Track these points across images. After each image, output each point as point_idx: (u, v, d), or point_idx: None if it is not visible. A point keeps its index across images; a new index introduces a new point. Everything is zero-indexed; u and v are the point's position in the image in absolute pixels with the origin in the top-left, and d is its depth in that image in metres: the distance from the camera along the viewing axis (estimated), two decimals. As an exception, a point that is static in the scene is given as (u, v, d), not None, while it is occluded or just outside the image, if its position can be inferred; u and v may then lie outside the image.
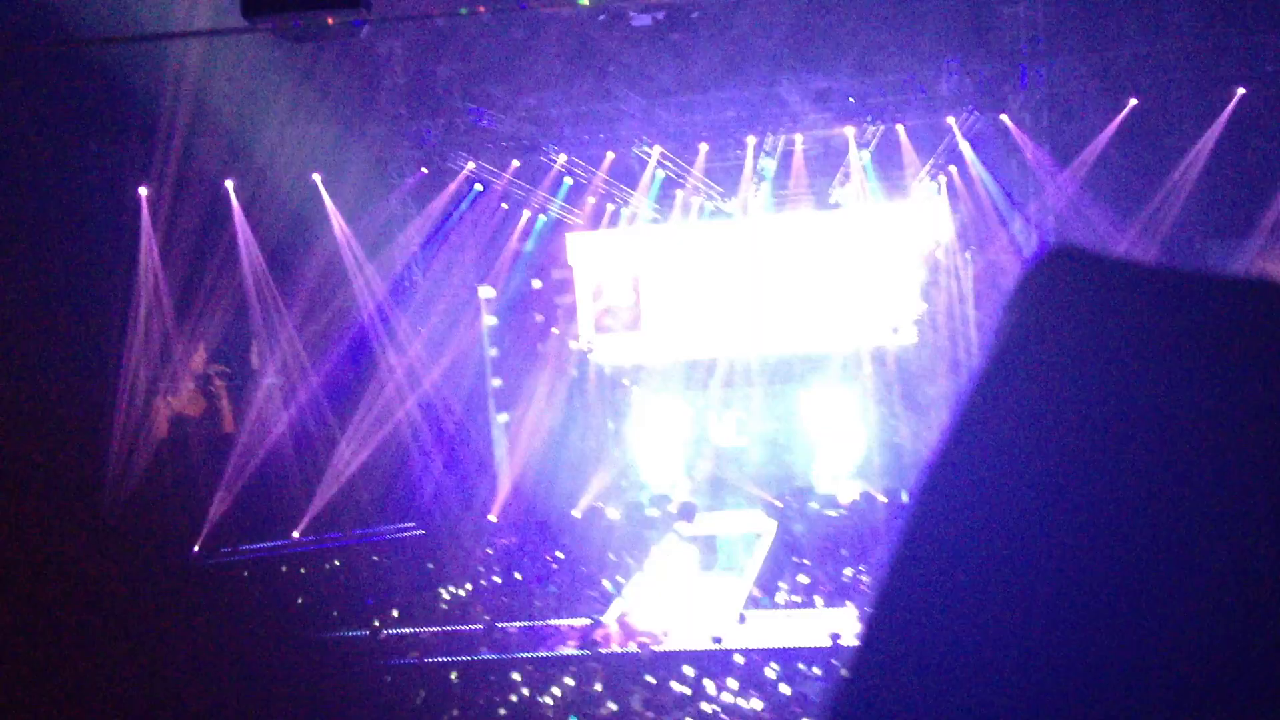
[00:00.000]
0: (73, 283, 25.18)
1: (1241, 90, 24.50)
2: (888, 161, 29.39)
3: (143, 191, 26.80)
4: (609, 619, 22.05)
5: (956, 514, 0.65)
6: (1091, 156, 26.09)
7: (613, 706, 16.62)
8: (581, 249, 31.41)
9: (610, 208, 31.53)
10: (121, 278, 26.30)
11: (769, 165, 29.83)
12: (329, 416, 27.93)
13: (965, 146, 28.04)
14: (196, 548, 26.27)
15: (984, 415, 0.68)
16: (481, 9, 22.44)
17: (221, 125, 24.60)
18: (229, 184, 27.43)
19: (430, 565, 26.13)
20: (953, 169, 28.80)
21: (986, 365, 0.70)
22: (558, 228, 31.72)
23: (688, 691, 17.35)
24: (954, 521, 0.64)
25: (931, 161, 28.65)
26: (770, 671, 18.25)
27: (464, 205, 30.48)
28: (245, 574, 25.58)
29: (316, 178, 27.85)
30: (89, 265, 25.46)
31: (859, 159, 29.11)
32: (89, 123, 25.10)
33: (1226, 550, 0.56)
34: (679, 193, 30.83)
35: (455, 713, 16.72)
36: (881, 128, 27.69)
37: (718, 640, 19.98)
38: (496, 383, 31.18)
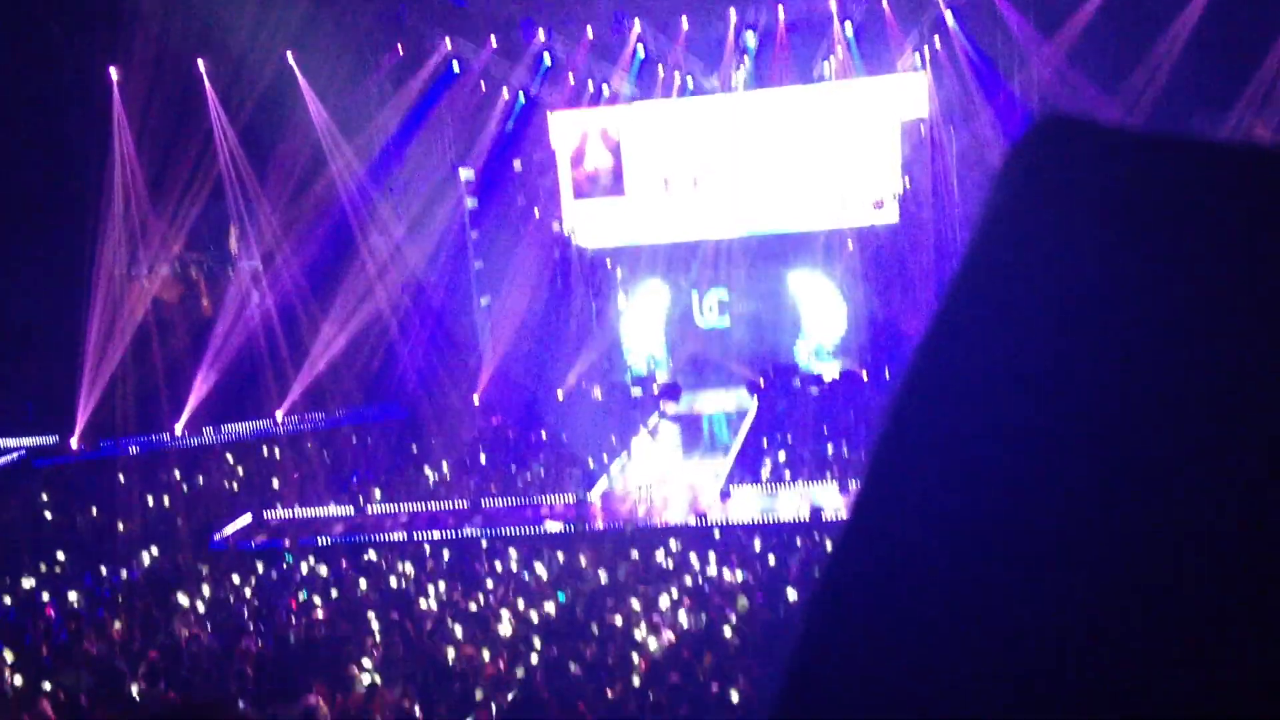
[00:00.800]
0: (45, 168, 24.84)
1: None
2: (871, 35, 28.98)
3: (113, 73, 26.30)
4: (594, 496, 22.26)
5: (944, 397, 0.60)
6: (1077, 27, 25.73)
7: (600, 580, 16.81)
8: (563, 127, 31.03)
9: (590, 86, 31.09)
10: (94, 161, 25.92)
11: (751, 39, 29.40)
12: (310, 299, 27.81)
13: (949, 18, 27.65)
14: (179, 427, 26.34)
15: (973, 294, 0.63)
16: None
17: (192, 4, 24.04)
18: (201, 64, 26.90)
19: (414, 446, 26.26)
20: (937, 41, 28.42)
21: (974, 243, 0.65)
22: (538, 108, 31.28)
23: (671, 565, 17.56)
24: (942, 405, 0.60)
25: (915, 34, 28.28)
26: (753, 545, 18.47)
27: (442, 83, 30.05)
28: (228, 456, 25.69)
29: (290, 57, 27.32)
30: (60, 149, 25.09)
31: (842, 32, 28.69)
32: (52, 4, 24.50)
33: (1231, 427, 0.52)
34: (660, 69, 30.41)
35: (443, 585, 16.88)
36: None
37: (701, 515, 20.20)
38: (478, 265, 31.03)
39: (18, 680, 13.68)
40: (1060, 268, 0.54)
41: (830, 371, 29.70)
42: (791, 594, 15.37)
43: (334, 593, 17.25)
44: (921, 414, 0.56)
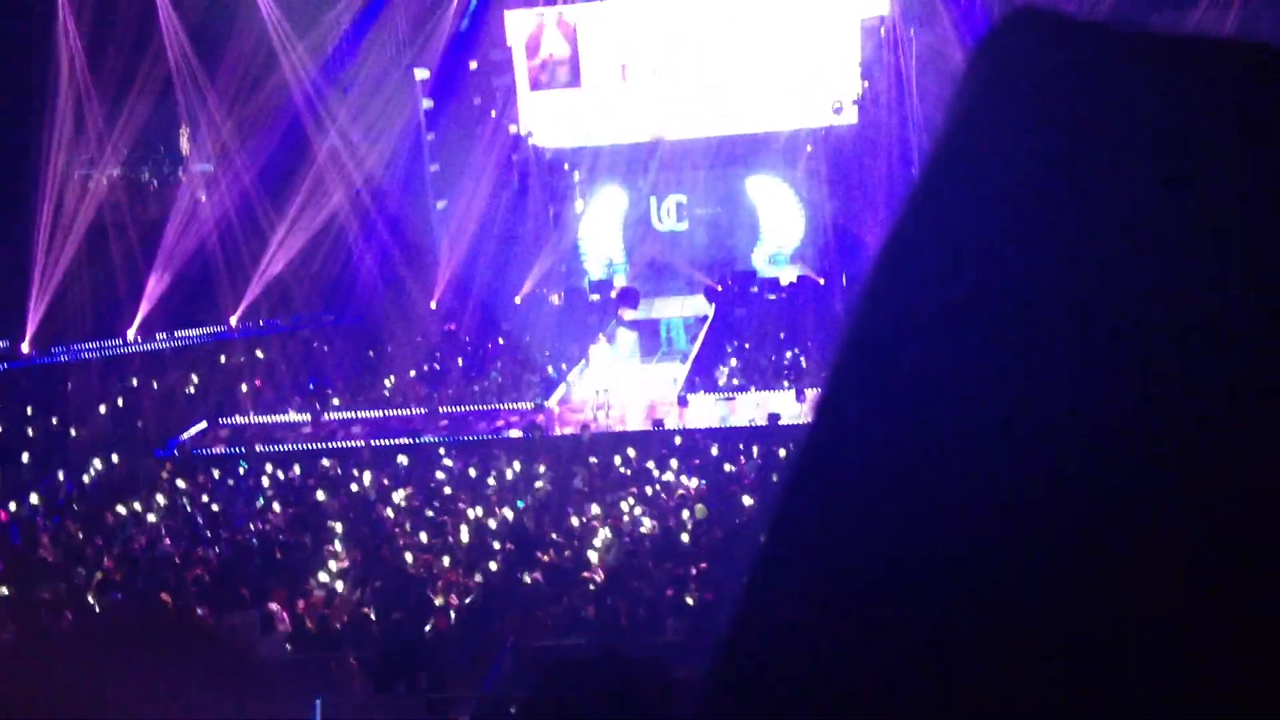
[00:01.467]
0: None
1: None
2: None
3: (57, -34, 25.56)
4: (551, 403, 22.29)
5: (906, 300, 0.57)
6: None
7: (551, 486, 16.90)
8: (519, 23, 30.50)
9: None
10: (39, 58, 25.25)
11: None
12: (264, 202, 27.40)
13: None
14: (132, 332, 26.04)
15: (939, 197, 0.59)
16: None
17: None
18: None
19: (371, 352, 26.15)
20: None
21: (939, 142, 0.61)
22: (494, 4, 30.68)
23: (628, 472, 17.67)
24: (905, 308, 0.56)
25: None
26: (710, 451, 18.61)
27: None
28: (182, 361, 25.43)
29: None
30: (2, 44, 24.40)
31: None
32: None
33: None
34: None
35: (401, 493, 16.91)
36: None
37: (659, 422, 20.29)
38: (434, 168, 30.65)
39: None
40: (1028, 167, 0.53)
41: (787, 276, 29.74)
42: (747, 500, 15.51)
43: (291, 500, 17.25)
44: (883, 321, 0.54)
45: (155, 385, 24.12)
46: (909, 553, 0.50)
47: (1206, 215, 0.50)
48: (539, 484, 17.10)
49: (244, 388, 24.07)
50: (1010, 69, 0.58)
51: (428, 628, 11.72)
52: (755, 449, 18.47)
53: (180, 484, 18.37)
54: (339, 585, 13.29)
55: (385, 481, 17.87)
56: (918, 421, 0.50)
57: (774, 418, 19.64)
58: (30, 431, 21.52)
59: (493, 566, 13.57)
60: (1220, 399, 0.48)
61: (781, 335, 25.26)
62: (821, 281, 28.56)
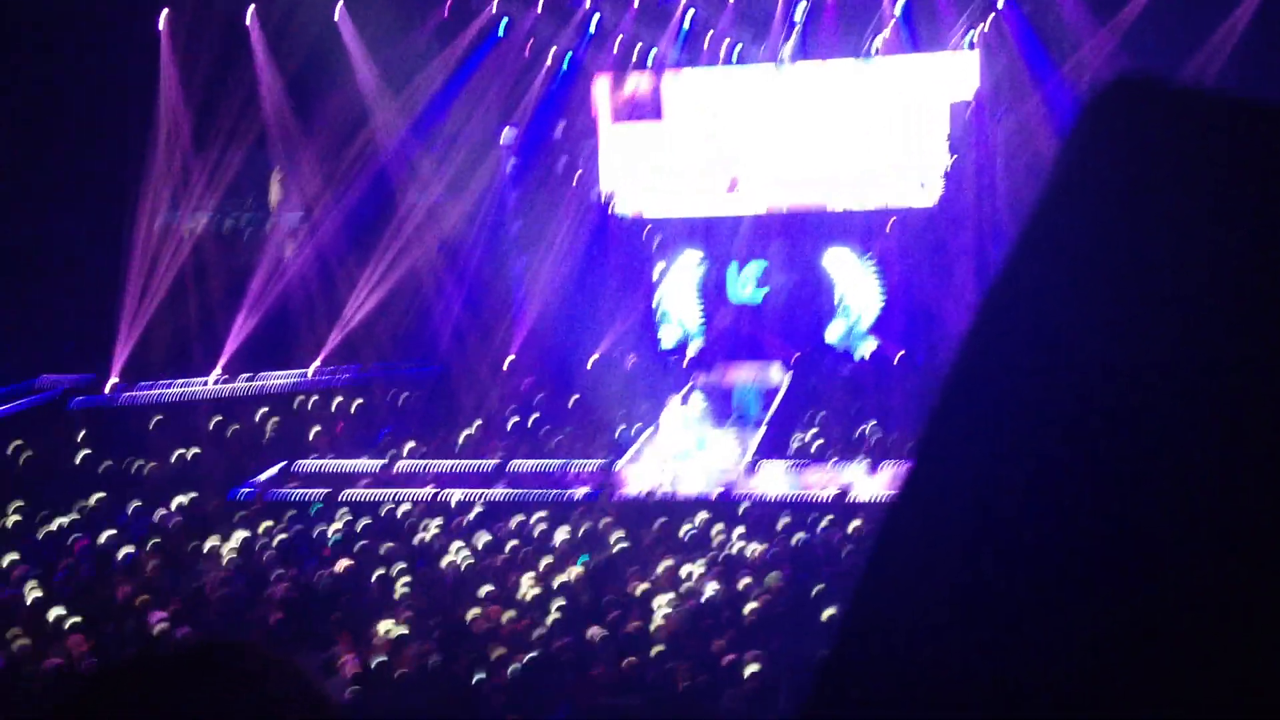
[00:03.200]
0: (92, 112, 24.97)
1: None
2: (923, 13, 28.67)
3: (162, 19, 26.39)
4: (621, 464, 22.29)
5: (1004, 372, 0.57)
6: (1133, 13, 25.36)
7: (623, 546, 16.86)
8: (607, 91, 30.92)
9: (638, 47, 30.92)
10: (140, 107, 26.04)
11: (800, 12, 29.15)
12: (348, 254, 27.90)
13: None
14: (214, 374, 26.50)
15: (1043, 258, 0.60)
16: None
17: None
18: (250, 12, 26.96)
19: (445, 404, 26.38)
20: (989, 22, 28.09)
21: (1044, 203, 0.62)
22: (582, 72, 31.16)
23: (693, 537, 17.59)
24: (1003, 382, 0.57)
25: (967, 14, 27.96)
26: (779, 520, 18.48)
27: (489, 43, 29.98)
28: (261, 405, 25.81)
29: (339, 10, 27.34)
30: (107, 94, 25.19)
31: (894, 9, 28.40)
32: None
33: None
34: (707, 37, 30.21)
35: (469, 545, 16.98)
36: (919, -24, 27.05)
37: (728, 487, 20.21)
38: (516, 227, 31.00)
39: (50, 616, 13.87)
40: (1134, 232, 0.52)
41: (863, 350, 29.58)
42: (815, 572, 15.37)
43: (359, 546, 17.38)
44: (981, 386, 0.54)
45: (233, 427, 24.49)
46: (981, 640, 0.50)
47: None
48: (605, 544, 17.08)
49: (319, 433, 24.35)
50: (1115, 133, 0.58)
51: (485, 678, 11.71)
52: (825, 520, 18.31)
53: (252, 525, 18.59)
54: (402, 633, 13.34)
55: (452, 532, 17.95)
56: (1012, 503, 0.51)
57: (845, 490, 19.48)
58: (109, 466, 21.93)
59: (553, 624, 13.55)
60: None
61: (856, 409, 25.08)
62: (899, 356, 28.35)
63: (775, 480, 21.13)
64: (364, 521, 18.85)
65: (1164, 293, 0.55)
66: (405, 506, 19.57)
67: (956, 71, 28.52)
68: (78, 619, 13.73)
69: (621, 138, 30.92)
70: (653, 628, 13.38)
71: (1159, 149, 0.60)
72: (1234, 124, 0.59)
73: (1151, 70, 0.64)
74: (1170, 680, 0.49)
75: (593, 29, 30.18)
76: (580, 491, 20.56)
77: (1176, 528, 0.51)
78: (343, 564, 16.33)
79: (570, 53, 30.77)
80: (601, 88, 30.90)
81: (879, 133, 29.21)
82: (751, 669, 12.03)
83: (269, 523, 18.79)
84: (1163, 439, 0.53)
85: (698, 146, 30.58)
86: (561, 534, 17.70)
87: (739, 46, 30.32)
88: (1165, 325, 0.54)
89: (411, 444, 23.70)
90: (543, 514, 19.09)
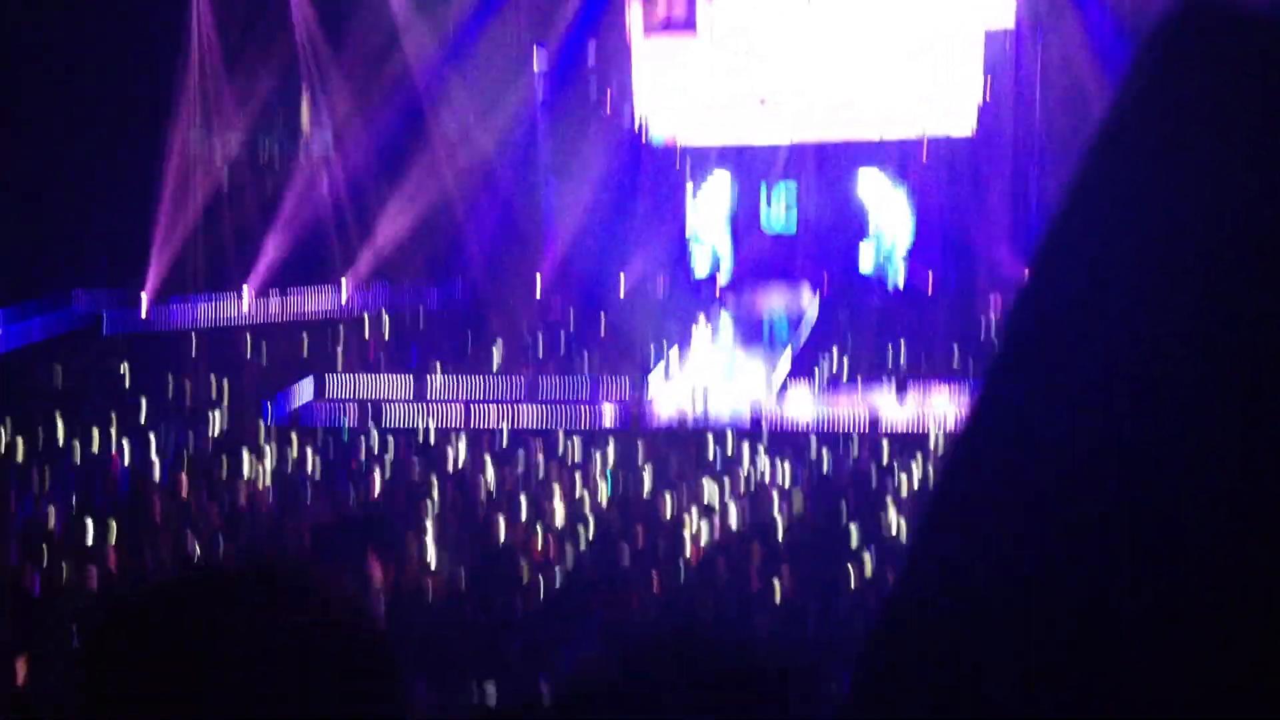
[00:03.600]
0: (126, 31, 24.87)
1: None
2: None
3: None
4: (651, 388, 22.34)
5: (1076, 292, 0.55)
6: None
7: (650, 470, 16.95)
8: (639, 11, 30.51)
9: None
10: (172, 28, 25.96)
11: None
12: (379, 177, 27.86)
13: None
14: (246, 295, 26.64)
15: (1112, 187, 0.57)
16: None
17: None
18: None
19: (475, 328, 26.44)
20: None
21: (1110, 135, 0.58)
22: (615, -6, 30.78)
23: (725, 456, 17.65)
24: (1074, 299, 0.55)
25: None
26: (808, 445, 18.51)
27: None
28: (298, 329, 25.93)
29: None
30: (141, 13, 25.08)
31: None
32: None
33: None
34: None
35: (500, 468, 17.10)
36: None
37: (757, 411, 20.25)
38: (548, 149, 30.81)
39: (88, 533, 14.07)
40: (1209, 157, 0.50)
41: (895, 278, 29.43)
42: (842, 497, 15.41)
43: (391, 469, 17.53)
44: (1052, 310, 0.52)
45: (268, 348, 24.64)
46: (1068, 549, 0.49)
47: None
48: (635, 466, 17.17)
49: (351, 356, 24.47)
50: (1184, 58, 0.55)
51: (518, 601, 11.85)
52: (854, 446, 18.34)
53: (284, 446, 18.76)
54: (433, 554, 13.49)
55: (483, 455, 18.07)
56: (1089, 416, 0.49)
57: (875, 415, 19.48)
58: (143, 385, 22.12)
59: (584, 545, 13.67)
60: None
61: (886, 335, 25.01)
62: (930, 285, 28.19)
63: (804, 406, 21.14)
64: (393, 444, 18.98)
65: (1234, 254, 0.53)
66: (435, 426, 19.70)
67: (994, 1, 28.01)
68: (114, 539, 13.94)
69: (655, 60, 30.54)
70: (683, 551, 13.49)
71: (1235, 74, 0.57)
72: None
73: None
74: (1210, 671, 0.49)
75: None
76: (610, 413, 20.63)
77: (1237, 512, 0.50)
78: (374, 486, 16.49)
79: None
80: (635, 7, 30.50)
81: (914, 60, 28.78)
82: (780, 591, 12.12)
83: (300, 443, 18.95)
84: (1219, 412, 0.51)
85: (732, 70, 30.20)
86: (591, 455, 17.80)
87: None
88: (1237, 288, 0.52)
89: (440, 365, 23.81)
90: (572, 435, 19.20)
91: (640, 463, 17.48)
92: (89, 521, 14.43)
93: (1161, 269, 0.54)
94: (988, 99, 28.32)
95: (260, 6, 26.26)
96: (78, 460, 17.93)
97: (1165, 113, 0.58)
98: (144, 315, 25.60)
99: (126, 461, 17.81)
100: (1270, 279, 0.51)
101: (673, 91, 30.47)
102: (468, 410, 21.18)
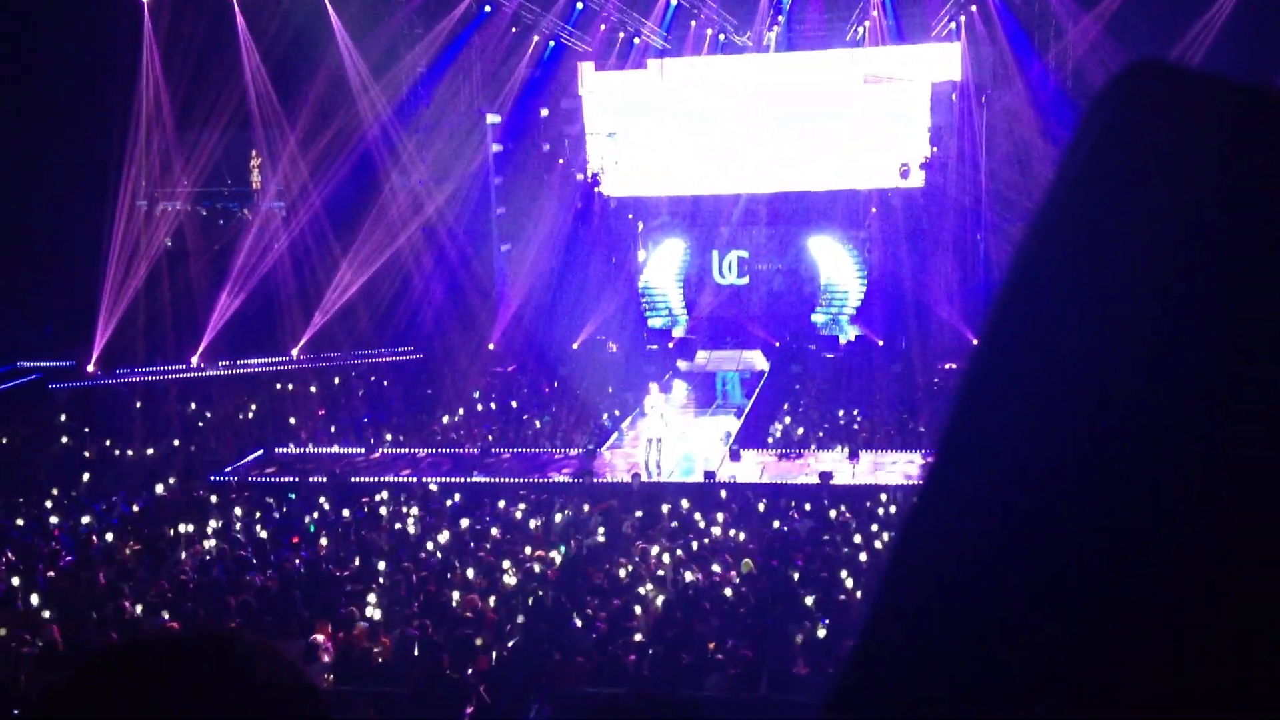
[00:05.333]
0: (72, 92, 24.80)
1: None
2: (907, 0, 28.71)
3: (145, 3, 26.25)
4: (604, 450, 22.28)
5: (1024, 360, 0.56)
6: (1116, 1, 25.39)
7: (602, 534, 16.85)
8: (592, 80, 30.81)
9: (621, 35, 30.87)
10: (121, 86, 25.89)
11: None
12: (330, 238, 27.82)
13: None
14: (195, 358, 26.42)
15: (1056, 248, 0.59)
16: None
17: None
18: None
19: (427, 390, 26.32)
20: (973, 9, 28.09)
21: (1056, 196, 0.60)
22: (566, 55, 31.08)
23: (677, 523, 17.59)
24: (1022, 372, 0.56)
25: (953, 1, 27.95)
26: (759, 506, 18.49)
27: (472, 26, 29.88)
28: (242, 389, 25.73)
29: (323, -9, 27.21)
30: (88, 73, 25.03)
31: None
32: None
33: None
34: (692, 23, 30.17)
35: (448, 531, 16.93)
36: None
37: (710, 475, 20.22)
38: (500, 211, 30.93)
39: (33, 600, 13.78)
40: (1150, 219, 0.51)
41: (846, 336, 29.66)
42: (795, 558, 15.39)
43: (340, 532, 17.33)
44: (1003, 380, 0.53)
45: (214, 411, 24.40)
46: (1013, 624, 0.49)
47: None
48: (587, 530, 17.07)
49: (300, 418, 24.27)
50: (1130, 121, 0.56)
51: (469, 669, 11.69)
52: (806, 506, 18.34)
53: (232, 511, 18.51)
54: (383, 621, 13.31)
55: (434, 519, 17.91)
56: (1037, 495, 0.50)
57: (825, 477, 19.50)
58: (89, 451, 21.83)
59: (537, 610, 13.54)
60: None
61: (838, 395, 25.13)
62: (880, 343, 28.42)
63: (756, 467, 21.15)
64: (343, 507, 18.79)
65: (1178, 294, 0.54)
66: (385, 493, 19.50)
67: (939, 61, 28.52)
68: (56, 607, 13.66)
69: (606, 117, 30.79)
70: (634, 614, 13.38)
71: (1180, 137, 0.58)
72: (1259, 113, 0.58)
73: (1155, 58, 0.62)
74: (1191, 675, 0.50)
75: (578, 10, 30.07)
76: (563, 477, 20.54)
77: (1194, 529, 0.52)
78: (322, 551, 16.29)
79: (554, 37, 30.67)
80: (586, 72, 30.79)
81: (861, 118, 29.19)
82: (731, 654, 12.03)
83: (247, 507, 18.71)
84: (1178, 441, 0.53)
85: (683, 126, 30.49)
86: (543, 520, 17.68)
87: (722, 36, 30.29)
88: (1177, 326, 0.53)
89: (391, 431, 23.65)
90: (525, 495, 19.10)
91: (592, 523, 17.39)
92: (31, 588, 14.16)
93: (1108, 332, 0.55)
94: (935, 152, 28.75)
95: (211, 71, 26.26)
96: (20, 524, 17.62)
97: (1109, 175, 0.59)
98: (91, 379, 25.32)
99: (74, 526, 17.51)
100: (1222, 336, 0.53)
101: (625, 148, 30.71)
102: (420, 471, 21.02)
